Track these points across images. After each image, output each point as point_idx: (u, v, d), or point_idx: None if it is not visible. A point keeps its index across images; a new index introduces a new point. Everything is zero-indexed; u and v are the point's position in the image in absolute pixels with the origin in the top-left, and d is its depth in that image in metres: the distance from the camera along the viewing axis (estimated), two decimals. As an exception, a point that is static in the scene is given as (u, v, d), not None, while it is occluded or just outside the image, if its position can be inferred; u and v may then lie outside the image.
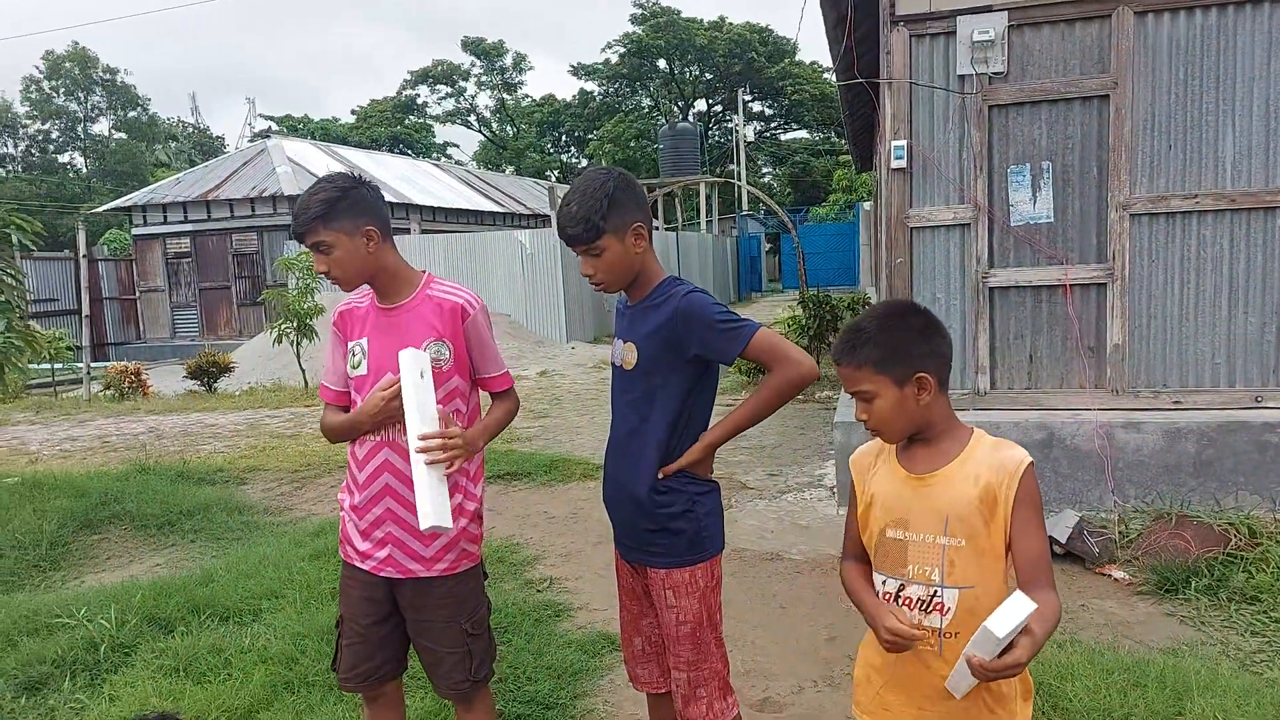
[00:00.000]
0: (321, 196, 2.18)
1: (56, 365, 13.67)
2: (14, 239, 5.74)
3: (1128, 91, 4.83)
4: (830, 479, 6.00)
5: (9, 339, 5.43)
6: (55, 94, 34.80)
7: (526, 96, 51.03)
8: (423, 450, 2.09)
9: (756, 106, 47.25)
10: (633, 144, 43.37)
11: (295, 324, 11.88)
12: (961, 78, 5.04)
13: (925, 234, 5.24)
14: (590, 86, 47.23)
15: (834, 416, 5.71)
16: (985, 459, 1.66)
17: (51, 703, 3.29)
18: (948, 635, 1.64)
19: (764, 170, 49.68)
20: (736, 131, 36.24)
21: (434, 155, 48.51)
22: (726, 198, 37.72)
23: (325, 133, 44.63)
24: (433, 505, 2.07)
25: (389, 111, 47.99)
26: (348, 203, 2.20)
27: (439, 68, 48.04)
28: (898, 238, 5.25)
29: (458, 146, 54.16)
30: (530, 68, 50.38)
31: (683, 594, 2.18)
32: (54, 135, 35.33)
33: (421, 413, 2.12)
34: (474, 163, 50.39)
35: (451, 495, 2.26)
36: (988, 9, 4.93)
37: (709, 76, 45.46)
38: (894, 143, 5.16)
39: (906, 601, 1.68)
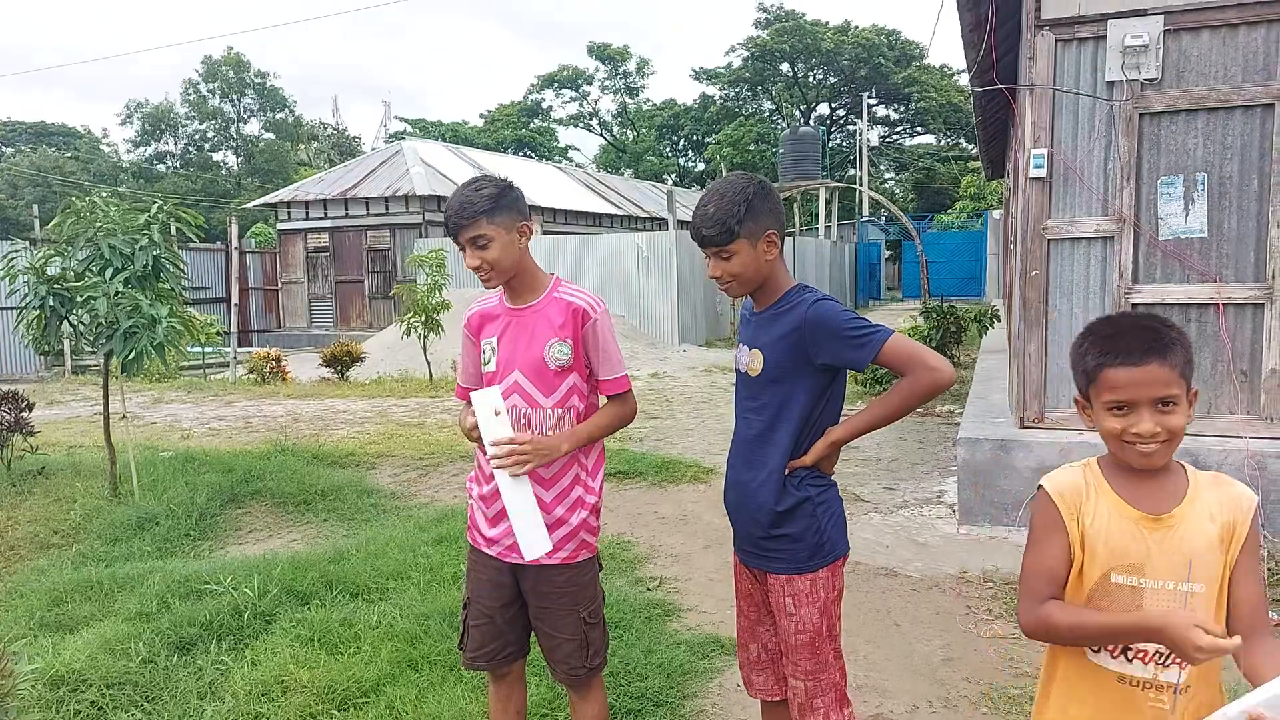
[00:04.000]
0: (487, 192, 2.30)
1: (207, 349, 14.71)
2: (173, 230, 6.21)
3: (1297, 99, 4.49)
4: (950, 496, 5.82)
5: (171, 324, 5.88)
6: (211, 96, 37.47)
7: (647, 100, 51.53)
8: (495, 458, 2.21)
9: (881, 111, 46.20)
10: (752, 148, 43.13)
11: (423, 318, 12.39)
12: (1110, 84, 4.81)
13: (1064, 246, 5.02)
14: (711, 90, 47.26)
15: (957, 432, 5.54)
16: (1214, 496, 1.53)
17: (200, 663, 3.55)
18: (1183, 691, 1.51)
19: (886, 176, 48.51)
20: (859, 136, 35.52)
21: (556, 158, 49.58)
22: (846, 203, 37.01)
23: (455, 135, 46.28)
24: (529, 538, 2.25)
25: (515, 115, 49.34)
26: (508, 199, 2.32)
27: (564, 72, 49.07)
28: (1034, 249, 5.05)
29: (579, 150, 55.21)
30: (652, 72, 50.92)
31: (802, 603, 2.17)
32: (209, 135, 38.05)
33: (495, 449, 2.25)
34: (594, 165, 51.23)
35: (571, 488, 2.38)
36: (1142, 13, 4.68)
37: (833, 80, 44.73)
38: (1033, 151, 4.98)
39: (1141, 655, 1.53)
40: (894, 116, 46.89)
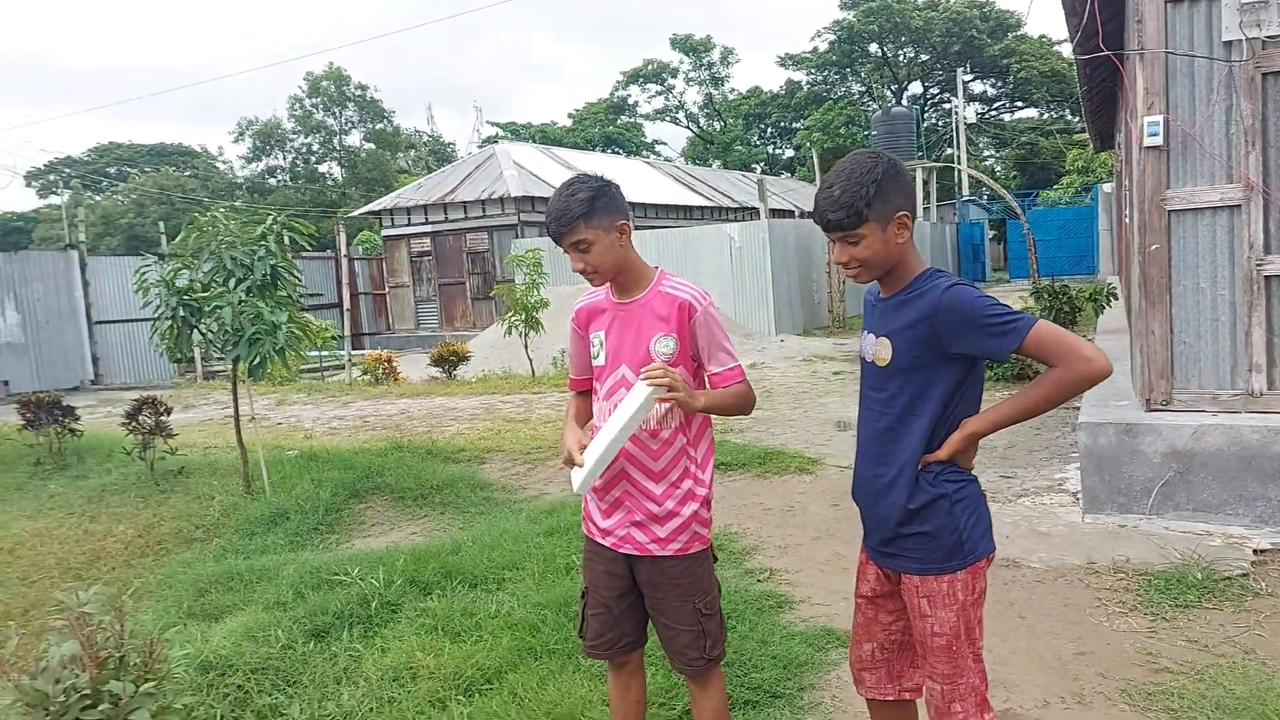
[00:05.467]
0: (582, 196, 2.31)
1: (323, 353, 15.41)
2: (286, 240, 6.53)
3: None
4: (1072, 483, 5.60)
5: (290, 329, 6.20)
6: (315, 110, 39.13)
7: (733, 90, 51.11)
8: (646, 376, 2.21)
9: (977, 86, 44.56)
10: (842, 131, 42.26)
11: (523, 316, 12.66)
12: (1227, 44, 4.52)
13: (1186, 217, 4.75)
14: (798, 76, 46.53)
15: (1077, 417, 5.32)
16: None
17: (334, 649, 3.74)
18: None
19: (986, 153, 46.76)
20: (956, 114, 34.36)
21: (644, 153, 49.74)
22: (945, 183, 35.86)
23: (544, 136, 46.98)
24: (585, 477, 2.32)
25: (602, 113, 49.71)
26: (604, 200, 2.33)
27: (649, 67, 49.15)
28: (1153, 222, 4.80)
29: (666, 143, 55.25)
30: (736, 61, 50.39)
31: (938, 604, 2.08)
32: (314, 147, 39.75)
33: (618, 421, 2.29)
34: (681, 158, 51.15)
35: (680, 481, 2.40)
36: (1268, -36, 4.38)
37: (924, 58, 43.39)
38: (1147, 119, 4.72)
39: None
40: (991, 92, 45.15)
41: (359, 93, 39.64)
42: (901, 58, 44.37)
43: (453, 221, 23.04)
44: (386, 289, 24.60)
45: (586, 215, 2.31)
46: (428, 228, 23.56)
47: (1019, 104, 44.61)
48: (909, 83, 45.38)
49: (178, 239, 6.43)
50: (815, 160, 23.19)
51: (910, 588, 2.13)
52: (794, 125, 47.31)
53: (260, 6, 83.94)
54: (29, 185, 39.09)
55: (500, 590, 4.26)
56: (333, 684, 3.43)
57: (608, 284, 2.46)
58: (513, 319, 12.80)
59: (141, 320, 16.07)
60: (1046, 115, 43.11)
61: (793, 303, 17.39)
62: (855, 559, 2.33)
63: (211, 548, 5.41)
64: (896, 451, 2.10)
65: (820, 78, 45.73)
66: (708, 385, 2.43)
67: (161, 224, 20.14)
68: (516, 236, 21.05)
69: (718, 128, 51.23)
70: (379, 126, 40.51)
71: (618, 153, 45.55)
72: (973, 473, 2.14)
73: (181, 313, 6.08)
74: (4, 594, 5.05)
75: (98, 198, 38.36)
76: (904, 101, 42.50)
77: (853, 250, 2.07)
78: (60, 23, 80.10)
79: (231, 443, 7.28)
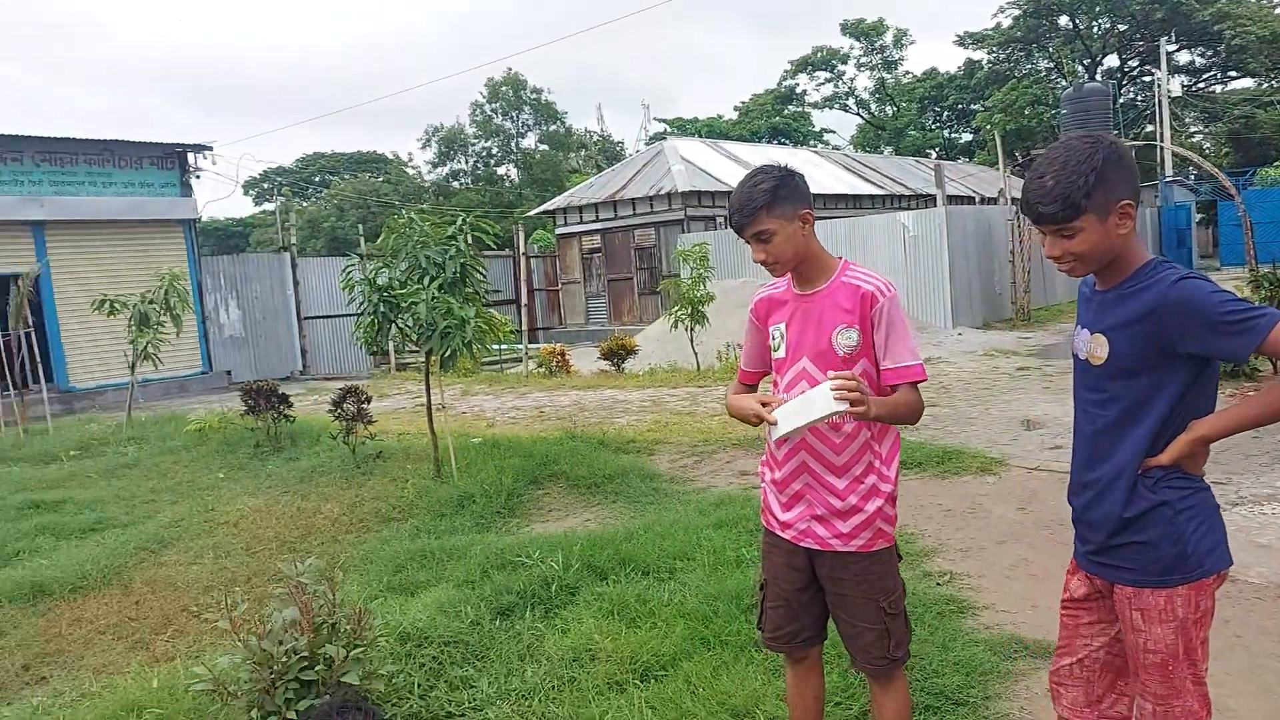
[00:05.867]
0: (765, 186, 2.30)
1: (501, 346, 16.19)
2: (468, 239, 6.88)
3: None
4: (1298, 493, 5.03)
5: (477, 324, 6.55)
6: (495, 115, 41.10)
7: (907, 73, 49.12)
8: (836, 388, 2.11)
9: (1183, 57, 40.51)
10: (1027, 111, 39.66)
11: (689, 310, 12.78)
12: None
13: None
14: (977, 55, 44.06)
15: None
16: None
17: (518, 628, 3.93)
18: None
19: (1193, 129, 42.51)
20: (1158, 87, 31.41)
21: (811, 142, 48.76)
22: (1145, 163, 32.91)
23: (711, 130, 47.03)
24: (788, 424, 2.21)
25: (769, 103, 49.15)
26: (787, 190, 2.31)
27: (818, 54, 48.11)
28: None
29: (834, 132, 53.90)
30: (911, 42, 48.33)
31: (1154, 620, 1.93)
32: (494, 151, 41.78)
33: (803, 410, 2.22)
34: (850, 146, 49.74)
35: (864, 476, 2.34)
36: None
37: (1121, 28, 39.90)
38: None
39: None
40: (1200, 62, 40.89)
41: (534, 96, 41.28)
42: (1095, 29, 41.04)
43: (622, 218, 23.54)
44: (559, 285, 25.51)
45: (769, 205, 2.30)
46: (598, 225, 24.20)
47: (1232, 74, 40.21)
48: (1103, 56, 41.91)
49: (379, 240, 6.92)
50: (998, 143, 21.88)
51: (1123, 599, 1.99)
52: (973, 107, 44.89)
53: (448, 22, 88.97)
54: (246, 194, 43.44)
55: (672, 579, 4.33)
56: (517, 661, 3.61)
57: (789, 275, 2.44)
58: (679, 313, 12.94)
59: (343, 316, 17.52)
60: (1265, 85, 38.61)
61: (971, 294, 16.55)
62: (1044, 565, 2.22)
63: (406, 527, 5.82)
64: (1113, 455, 1.95)
65: (1003, 55, 43.07)
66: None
67: (360, 226, 21.83)
68: (683, 231, 21.23)
69: (890, 113, 49.44)
70: (552, 128, 42.04)
71: (785, 143, 44.93)
72: (1204, 480, 1.95)
73: (382, 309, 6.56)
74: (230, 562, 5.65)
75: (305, 203, 42.08)
76: (1097, 77, 39.30)
77: (1067, 244, 1.91)
78: (267, 46, 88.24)
79: (422, 430, 7.80)
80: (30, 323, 11.28)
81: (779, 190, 2.31)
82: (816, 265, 2.40)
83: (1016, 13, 40.30)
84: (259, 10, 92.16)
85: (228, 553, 5.80)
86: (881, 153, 43.79)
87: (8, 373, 11.34)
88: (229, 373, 16.66)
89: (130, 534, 6.13)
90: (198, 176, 16.46)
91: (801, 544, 2.41)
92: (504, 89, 40.44)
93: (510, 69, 40.78)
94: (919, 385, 2.31)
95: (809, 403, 2.21)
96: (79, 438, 9.72)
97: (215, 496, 7.01)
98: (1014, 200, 18.39)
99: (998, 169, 23.63)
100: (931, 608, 3.90)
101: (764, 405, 2.30)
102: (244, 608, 3.21)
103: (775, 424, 2.25)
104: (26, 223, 14.00)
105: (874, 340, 2.31)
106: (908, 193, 28.57)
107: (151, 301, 10.33)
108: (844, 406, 2.11)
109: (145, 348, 10.27)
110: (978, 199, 29.40)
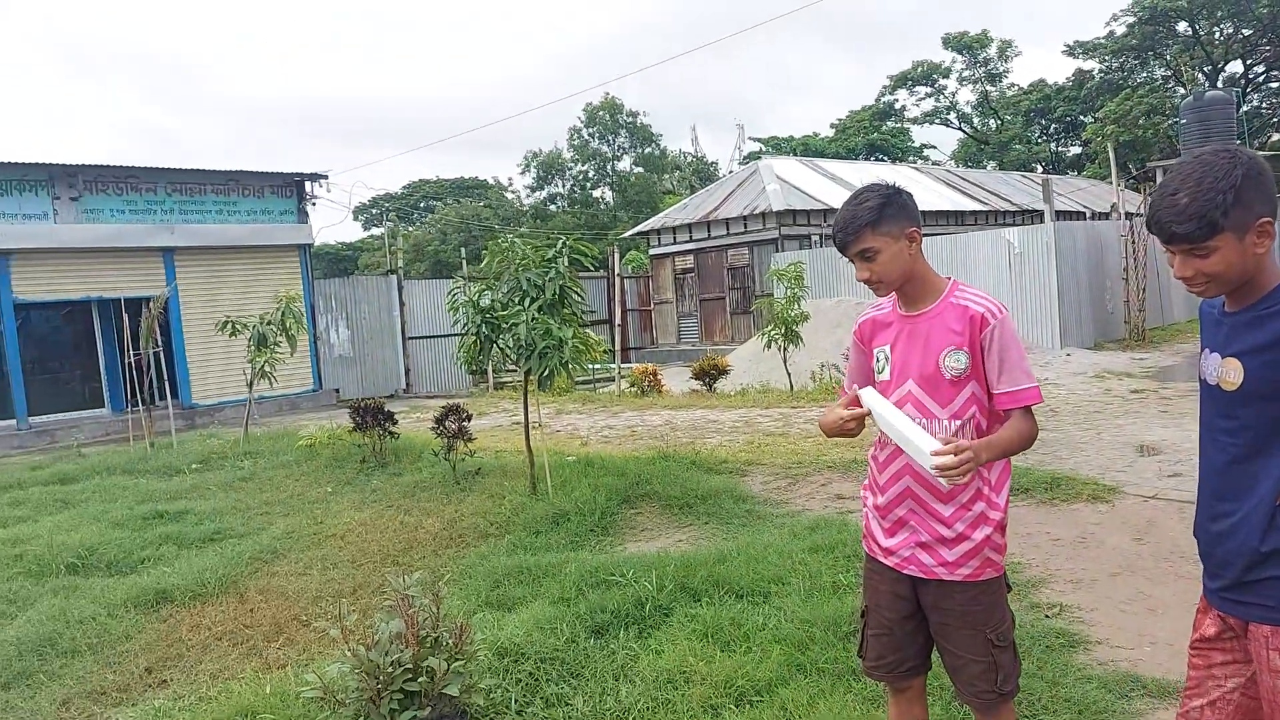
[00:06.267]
0: (870, 204, 2.28)
1: (594, 365, 16.40)
2: (567, 261, 7.01)
3: None
4: None
5: (575, 344, 6.67)
6: (591, 139, 41.88)
7: (1012, 85, 47.63)
8: (939, 468, 2.08)
9: (1318, 59, 37.95)
10: (1141, 122, 37.77)
11: (782, 330, 12.66)
12: None
13: None
14: (1088, 65, 42.35)
15: None
16: None
17: (612, 647, 3.95)
18: None
19: (1329, 136, 39.65)
20: (1290, 92, 29.46)
21: (911, 158, 47.76)
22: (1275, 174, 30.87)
23: (806, 148, 46.63)
24: (919, 447, 2.14)
25: (866, 120, 48.46)
26: (894, 208, 2.28)
27: (918, 69, 47.19)
28: None
29: (935, 147, 52.66)
30: (1016, 54, 46.73)
31: None
32: (590, 174, 42.56)
33: (900, 423, 2.21)
34: (952, 161, 48.49)
35: (972, 503, 2.28)
36: None
37: (1246, 33, 37.72)
38: None
39: None
40: (1336, 64, 38.26)
41: (630, 119, 41.86)
42: (1217, 34, 38.93)
43: (715, 238, 23.56)
44: (652, 305, 25.68)
45: (874, 223, 2.27)
46: (691, 245, 24.29)
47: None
48: (1225, 63, 39.70)
49: (484, 263, 7.13)
50: (1111, 155, 20.96)
51: (1259, 639, 1.85)
52: (1082, 119, 43.11)
53: (547, 52, 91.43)
54: (356, 219, 45.49)
55: (767, 603, 4.28)
56: (611, 680, 3.63)
57: (893, 296, 2.40)
58: (772, 332, 12.84)
59: (444, 336, 18.08)
60: None
61: (1081, 313, 15.84)
62: (1163, 599, 2.10)
63: (503, 543, 5.94)
64: (1247, 487, 1.83)
65: (1115, 64, 41.26)
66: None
67: (461, 250, 22.51)
68: (777, 250, 21.08)
69: (993, 127, 47.99)
70: (647, 150, 42.49)
71: (883, 159, 44.15)
72: None
73: (484, 329, 6.74)
74: (337, 574, 5.88)
75: (410, 228, 43.71)
76: (1219, 84, 37.22)
77: (1200, 264, 1.80)
78: (379, 79, 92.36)
79: (518, 447, 7.95)
80: (159, 342, 12.06)
81: (885, 208, 2.28)
82: (924, 285, 2.35)
83: (1131, 20, 38.61)
84: (373, 48, 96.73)
85: (335, 564, 6.04)
86: (985, 168, 42.54)
87: (138, 390, 12.14)
88: (338, 390, 17.38)
89: (245, 544, 6.45)
90: (313, 204, 17.33)
91: (905, 571, 2.35)
92: (601, 113, 41.20)
93: (608, 94, 41.58)
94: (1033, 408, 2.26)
95: (908, 442, 2.18)
96: (200, 452, 10.30)
97: (324, 510, 7.31)
98: (1128, 215, 17.55)
99: (1110, 182, 22.62)
100: (1040, 641, 3.74)
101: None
102: (353, 619, 3.34)
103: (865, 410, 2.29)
104: (158, 249, 15.00)
105: (985, 364, 2.25)
106: (1013, 208, 27.63)
107: (269, 323, 10.90)
108: (943, 481, 2.12)
109: (262, 366, 10.84)
110: (1088, 214, 28.20)
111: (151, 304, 11.74)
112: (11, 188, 13.75)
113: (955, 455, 2.06)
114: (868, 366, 2.47)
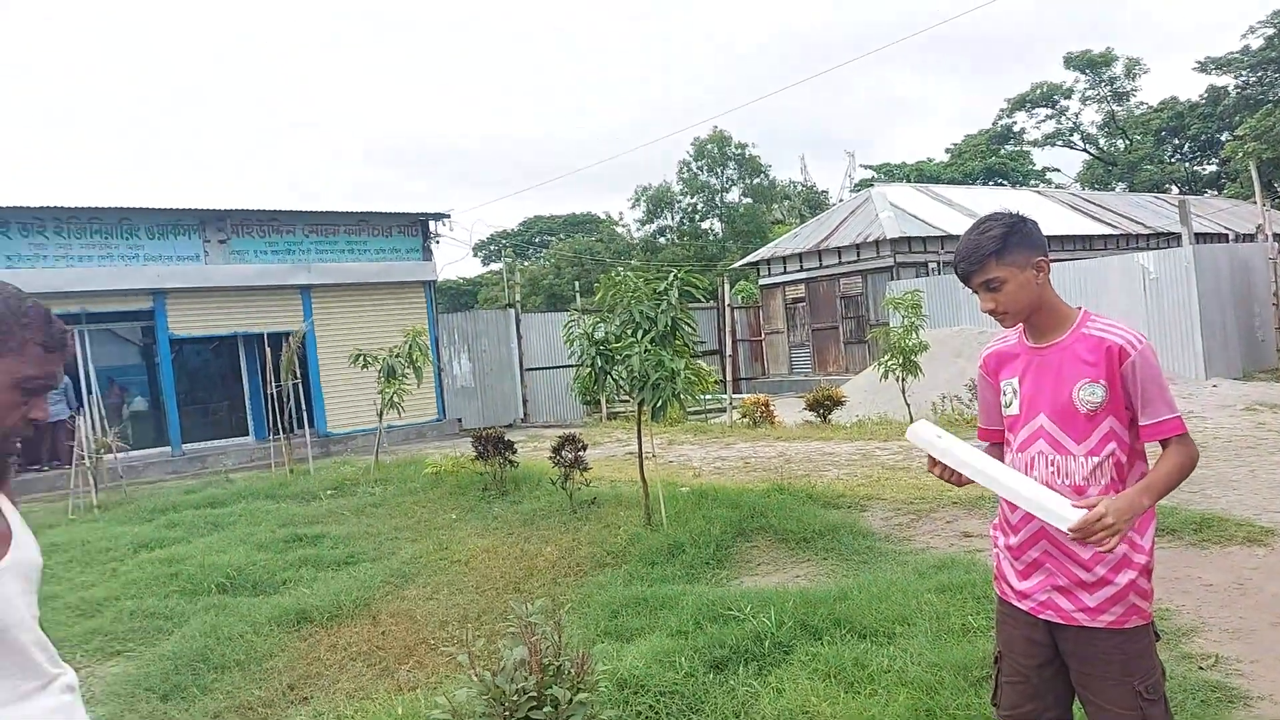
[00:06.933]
0: (994, 233, 2.22)
1: (706, 396, 16.41)
2: (678, 294, 7.08)
3: None
4: None
5: (687, 375, 6.72)
6: (700, 172, 42.12)
7: (1141, 104, 45.28)
8: (1079, 537, 2.02)
9: None
10: (1289, 137, 35.13)
11: (899, 360, 12.35)
12: None
13: None
14: (1222, 80, 39.85)
15: None
16: None
17: (731, 683, 3.92)
18: None
19: None
20: None
21: (1032, 181, 45.97)
22: None
23: (920, 174, 45.58)
24: (1053, 512, 2.06)
25: (983, 144, 47.00)
26: (1018, 237, 2.22)
27: (1037, 90, 45.52)
28: None
29: (1058, 170, 50.52)
30: (1144, 71, 44.33)
31: None
32: (699, 206, 42.76)
33: (982, 464, 2.17)
34: (1077, 184, 46.38)
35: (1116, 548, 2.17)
36: None
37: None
38: None
39: None
40: None
41: (738, 151, 41.90)
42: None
43: (827, 267, 23.28)
44: (762, 335, 25.51)
45: (999, 252, 2.21)
46: (802, 275, 24.07)
47: None
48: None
49: (598, 296, 7.30)
50: (1254, 174, 19.63)
51: None
52: (1220, 136, 40.53)
53: (657, 88, 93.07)
54: (475, 255, 47.16)
55: (891, 644, 4.16)
56: (732, 717, 3.61)
57: (1020, 327, 2.34)
58: (889, 363, 12.54)
59: (559, 367, 18.48)
60: None
61: (1228, 341, 14.81)
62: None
63: (620, 573, 5.99)
64: None
65: (1253, 79, 38.67)
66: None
67: (575, 283, 23.04)
68: (892, 279, 20.65)
69: (1121, 147, 45.67)
70: (756, 181, 42.42)
71: (1002, 184, 42.66)
72: None
73: (598, 361, 6.89)
74: (462, 599, 6.06)
75: (526, 263, 45.04)
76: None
77: None
78: (500, 121, 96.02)
79: (632, 477, 8.03)
80: (297, 374, 12.81)
81: (1010, 237, 2.22)
82: (1053, 316, 2.28)
83: (1269, 32, 36.20)
84: (493, 94, 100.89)
85: (460, 589, 6.23)
86: (1113, 189, 40.49)
87: (278, 419, 12.92)
88: (460, 420, 17.98)
89: (377, 568, 6.74)
90: (438, 242, 18.13)
91: (1041, 616, 2.26)
92: (709, 146, 41.40)
93: (716, 127, 41.76)
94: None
95: (1041, 505, 2.10)
96: (334, 478, 10.84)
97: (449, 535, 7.57)
98: (1275, 236, 16.37)
99: (1254, 202, 21.14)
100: (1194, 694, 3.50)
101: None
102: (479, 644, 3.44)
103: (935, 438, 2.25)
104: (297, 286, 15.98)
105: (1126, 397, 2.16)
106: (1145, 231, 26.20)
107: (398, 356, 11.43)
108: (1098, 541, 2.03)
109: (391, 397, 11.35)
110: (1231, 236, 26.44)
111: (291, 338, 12.51)
112: (167, 232, 14.96)
113: (1094, 519, 1.99)
114: (996, 401, 2.41)
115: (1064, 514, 2.04)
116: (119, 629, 5.67)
